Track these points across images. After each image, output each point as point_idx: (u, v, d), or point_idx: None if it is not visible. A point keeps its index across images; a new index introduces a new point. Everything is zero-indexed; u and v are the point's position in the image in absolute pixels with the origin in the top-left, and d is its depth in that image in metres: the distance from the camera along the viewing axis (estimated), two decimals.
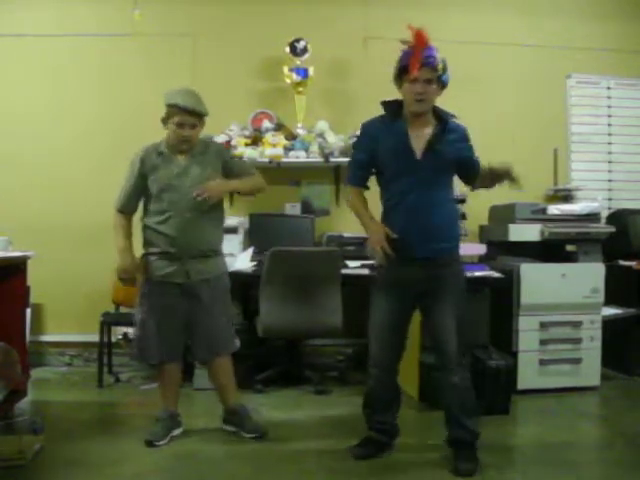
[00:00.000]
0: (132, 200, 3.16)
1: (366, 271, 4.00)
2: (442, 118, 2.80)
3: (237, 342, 3.30)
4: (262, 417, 3.39)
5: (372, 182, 2.94)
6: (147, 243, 3.14)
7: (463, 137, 2.86)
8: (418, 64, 2.66)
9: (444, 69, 2.73)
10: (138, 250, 3.18)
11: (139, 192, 3.14)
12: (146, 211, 3.14)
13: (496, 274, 3.99)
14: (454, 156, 2.77)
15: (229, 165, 3.20)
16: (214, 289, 3.13)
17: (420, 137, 2.75)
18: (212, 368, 3.23)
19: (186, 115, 3.01)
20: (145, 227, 3.13)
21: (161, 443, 3.04)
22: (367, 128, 2.88)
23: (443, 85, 2.76)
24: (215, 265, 3.16)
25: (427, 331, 2.94)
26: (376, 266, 2.94)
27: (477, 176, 2.85)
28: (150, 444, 3.01)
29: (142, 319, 3.12)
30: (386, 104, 2.84)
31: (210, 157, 3.15)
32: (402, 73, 2.73)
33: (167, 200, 3.05)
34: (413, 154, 2.73)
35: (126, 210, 3.17)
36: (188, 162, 3.11)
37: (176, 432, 3.15)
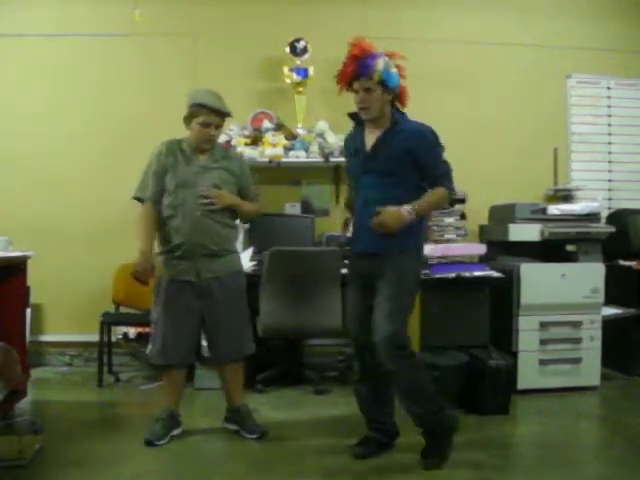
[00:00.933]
0: (151, 187, 3.12)
1: None
2: (394, 120, 2.83)
3: (253, 345, 3.26)
4: (262, 417, 3.39)
5: None
6: (161, 241, 3.16)
7: (417, 141, 2.80)
8: (347, 78, 2.79)
9: (382, 76, 2.72)
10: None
11: (160, 182, 3.12)
12: (161, 213, 3.14)
13: (496, 274, 3.99)
14: (403, 157, 2.77)
15: (243, 180, 3.22)
16: (227, 287, 3.12)
17: (372, 139, 2.86)
18: (225, 368, 3.22)
19: (212, 115, 3.05)
20: (162, 224, 3.13)
21: (161, 442, 3.03)
22: (345, 141, 3.10)
23: (389, 89, 2.77)
24: (227, 263, 3.15)
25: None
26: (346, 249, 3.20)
27: (432, 184, 2.82)
28: (150, 443, 3.00)
29: (157, 318, 3.12)
30: (351, 115, 2.94)
31: (232, 164, 3.19)
32: (347, 86, 2.85)
33: (181, 197, 3.06)
34: (364, 153, 2.87)
35: (145, 197, 3.13)
36: (208, 163, 3.13)
37: (176, 432, 3.14)
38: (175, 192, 3.07)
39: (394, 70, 2.79)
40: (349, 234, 4.41)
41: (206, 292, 3.09)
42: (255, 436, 3.16)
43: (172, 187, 3.08)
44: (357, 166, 2.91)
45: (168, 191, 3.10)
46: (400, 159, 2.78)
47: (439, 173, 2.81)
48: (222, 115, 3.10)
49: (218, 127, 3.11)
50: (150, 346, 3.19)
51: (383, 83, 2.74)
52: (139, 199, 3.17)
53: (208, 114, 3.04)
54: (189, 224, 3.05)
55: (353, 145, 2.94)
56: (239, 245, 4.37)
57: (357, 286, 2.93)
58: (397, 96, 2.85)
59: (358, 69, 2.75)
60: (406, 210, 2.69)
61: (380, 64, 2.73)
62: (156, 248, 3.19)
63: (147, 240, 3.11)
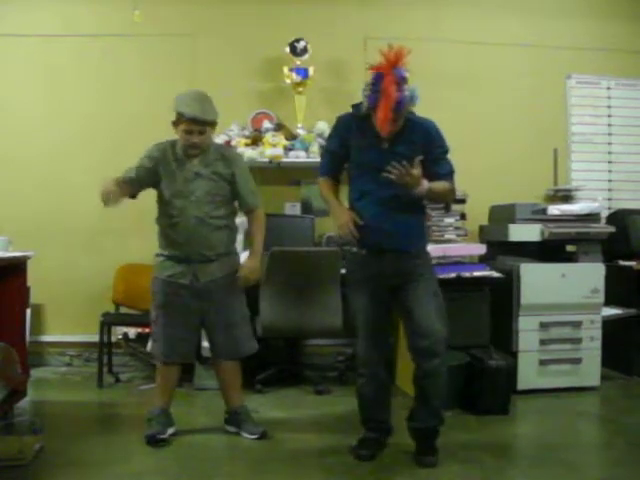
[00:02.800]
0: (133, 176, 3.12)
1: None
2: (406, 117, 2.78)
3: (256, 344, 3.28)
4: (262, 417, 3.39)
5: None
6: (159, 245, 3.19)
7: (430, 134, 2.83)
8: (388, 124, 2.66)
9: (410, 102, 2.69)
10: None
11: (142, 181, 3.14)
12: (159, 212, 3.17)
13: (496, 274, 3.99)
14: (418, 151, 2.75)
15: (237, 185, 3.17)
16: (225, 288, 3.13)
17: (386, 137, 2.78)
18: (222, 368, 3.22)
19: (192, 124, 3.01)
20: (159, 229, 3.18)
21: (163, 436, 3.03)
22: (342, 119, 2.92)
23: (413, 104, 2.74)
24: (224, 265, 3.15)
25: (406, 322, 2.88)
26: (345, 249, 3.07)
27: (440, 178, 2.82)
28: (152, 438, 3.00)
29: (155, 317, 3.15)
30: (356, 106, 2.87)
31: (225, 167, 3.14)
32: (374, 106, 2.69)
33: (177, 206, 3.07)
34: (379, 151, 2.77)
35: (123, 180, 3.09)
36: (199, 169, 3.11)
37: (170, 430, 3.12)
38: (170, 202, 3.09)
39: (414, 89, 2.70)
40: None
41: (204, 293, 3.10)
42: (255, 437, 3.16)
43: (167, 197, 3.09)
44: (370, 162, 2.80)
45: (164, 200, 3.12)
46: (413, 156, 2.73)
47: (444, 172, 2.84)
48: (202, 123, 3.03)
49: (202, 133, 3.05)
50: (150, 343, 3.21)
51: (410, 106, 2.73)
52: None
53: (188, 123, 3.00)
54: (185, 233, 3.06)
55: (365, 138, 2.81)
56: (239, 245, 4.38)
57: (370, 289, 2.85)
58: None
59: (394, 114, 2.64)
60: (425, 182, 2.71)
61: (408, 91, 2.65)
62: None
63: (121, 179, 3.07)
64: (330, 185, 2.98)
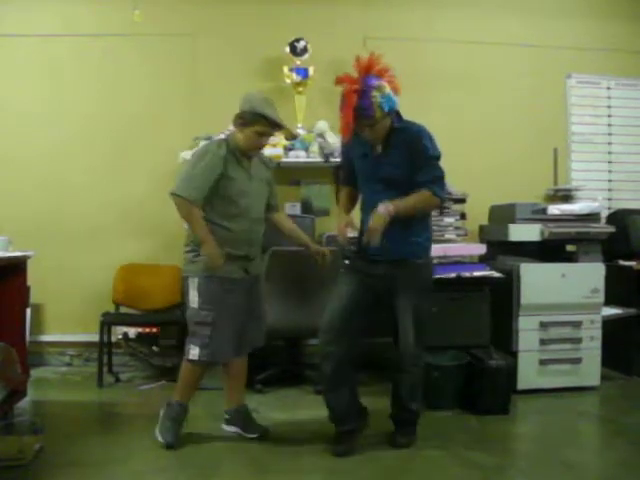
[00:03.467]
0: (206, 191, 2.98)
1: None
2: (395, 124, 2.87)
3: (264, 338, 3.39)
4: (262, 417, 3.39)
5: None
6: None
7: (416, 138, 2.84)
8: (350, 126, 2.76)
9: (382, 109, 2.73)
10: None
11: (211, 184, 2.99)
12: (213, 210, 3.04)
13: (496, 274, 3.99)
14: (405, 157, 2.84)
15: (272, 186, 3.32)
16: (261, 286, 3.32)
17: (379, 145, 2.91)
18: (235, 367, 3.24)
19: (269, 127, 3.05)
20: (213, 224, 3.03)
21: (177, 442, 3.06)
22: (348, 143, 3.06)
23: (391, 112, 2.79)
24: (261, 263, 3.37)
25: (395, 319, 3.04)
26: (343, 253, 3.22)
27: (418, 187, 2.84)
28: (171, 447, 2.99)
29: (212, 318, 3.02)
30: None
31: (266, 171, 3.28)
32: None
33: (243, 205, 3.06)
34: (371, 158, 2.93)
35: (199, 200, 2.97)
36: (254, 171, 3.17)
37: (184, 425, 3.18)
38: (236, 201, 3.04)
39: (388, 91, 2.75)
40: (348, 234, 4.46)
41: (251, 288, 3.18)
42: (256, 435, 3.17)
43: (233, 195, 3.04)
44: (365, 169, 2.98)
45: (226, 198, 3.03)
46: (403, 163, 2.85)
47: (425, 179, 2.82)
48: (278, 127, 3.11)
49: (269, 136, 3.17)
50: (198, 349, 3.03)
51: (383, 113, 2.75)
52: (187, 199, 2.95)
53: (266, 125, 3.03)
54: (247, 229, 3.09)
55: (361, 147, 2.96)
56: None
57: (352, 279, 3.00)
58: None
59: (357, 115, 2.73)
60: (383, 206, 2.75)
61: (377, 98, 2.71)
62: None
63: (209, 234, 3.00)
64: (346, 192, 3.18)
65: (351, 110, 2.71)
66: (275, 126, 3.07)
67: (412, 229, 2.93)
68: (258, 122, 3.01)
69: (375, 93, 2.71)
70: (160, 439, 3.03)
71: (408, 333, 2.97)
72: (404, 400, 3.07)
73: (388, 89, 2.76)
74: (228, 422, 3.28)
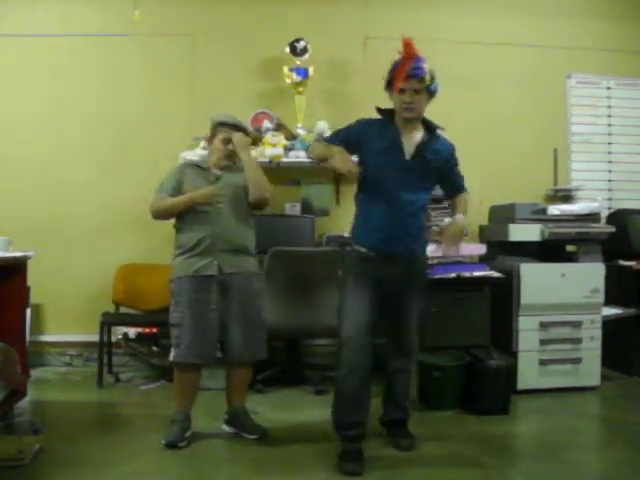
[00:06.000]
0: (168, 192, 3.22)
1: None
2: (430, 127, 2.95)
3: (266, 351, 3.29)
4: (262, 417, 3.39)
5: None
6: (179, 245, 3.21)
7: (450, 153, 3.01)
8: (404, 75, 2.79)
9: (432, 80, 2.85)
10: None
11: (175, 194, 3.21)
12: (182, 219, 3.21)
13: (496, 274, 3.99)
14: (438, 165, 2.94)
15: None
16: (246, 286, 3.18)
17: (410, 140, 2.90)
18: (235, 369, 3.24)
19: (231, 131, 3.26)
20: (179, 231, 3.23)
21: (182, 444, 3.03)
22: (362, 124, 2.97)
23: (431, 94, 2.89)
24: (247, 262, 3.21)
25: (389, 323, 3.02)
26: (347, 248, 3.00)
27: (456, 192, 3.09)
28: (172, 445, 3.00)
29: (181, 319, 3.09)
30: (380, 110, 2.97)
31: (241, 173, 3.28)
32: (392, 83, 2.85)
33: (206, 210, 3.14)
34: (403, 154, 2.87)
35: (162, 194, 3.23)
36: (223, 173, 3.28)
37: (188, 434, 3.13)
38: (196, 208, 3.15)
39: (436, 76, 2.89)
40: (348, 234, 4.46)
41: (227, 287, 3.12)
42: (255, 436, 3.17)
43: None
44: (392, 164, 2.86)
45: (191, 208, 3.16)
46: (436, 167, 2.93)
47: (463, 183, 3.10)
48: (240, 130, 3.29)
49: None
50: (173, 350, 3.12)
51: (429, 87, 2.85)
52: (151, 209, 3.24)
53: (227, 131, 3.25)
54: (210, 219, 3.12)
55: (384, 139, 2.88)
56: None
57: (368, 286, 2.85)
58: None
59: (412, 70, 2.79)
60: (461, 218, 2.94)
61: (429, 68, 2.84)
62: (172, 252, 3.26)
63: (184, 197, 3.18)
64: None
65: (409, 60, 2.77)
66: (237, 129, 3.28)
67: (423, 225, 3.00)
68: (220, 131, 3.27)
69: (428, 65, 2.84)
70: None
71: (413, 332, 2.99)
72: (400, 399, 3.08)
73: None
74: (228, 422, 3.28)
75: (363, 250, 2.88)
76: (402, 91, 2.81)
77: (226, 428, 3.27)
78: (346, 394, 2.83)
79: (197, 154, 4.26)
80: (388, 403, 3.14)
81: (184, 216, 3.19)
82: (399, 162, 2.86)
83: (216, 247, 3.11)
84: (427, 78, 2.80)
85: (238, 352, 3.17)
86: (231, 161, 3.30)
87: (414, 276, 2.96)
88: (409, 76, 2.78)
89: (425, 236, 3.03)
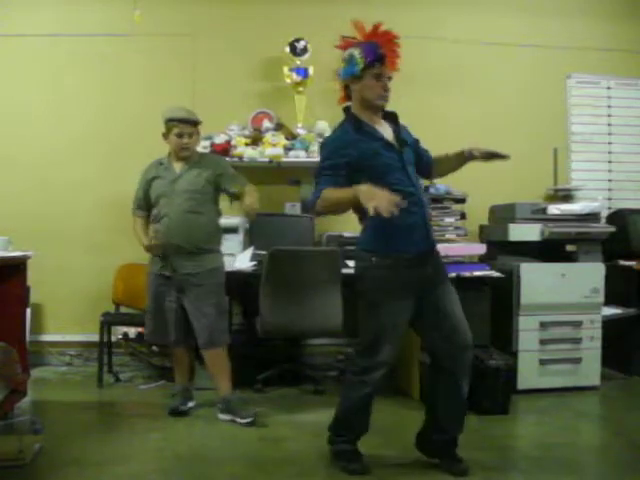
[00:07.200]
0: (141, 205, 3.64)
1: None
2: (390, 113, 2.78)
3: (227, 337, 3.55)
4: (262, 417, 3.40)
5: None
6: None
7: (408, 131, 2.87)
8: (375, 59, 2.67)
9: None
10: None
11: (145, 200, 3.60)
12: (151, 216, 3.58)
13: (496, 274, 3.99)
14: (414, 146, 2.83)
15: (222, 177, 3.54)
16: (201, 282, 3.43)
17: (386, 132, 2.73)
18: (205, 359, 3.51)
19: (182, 125, 3.47)
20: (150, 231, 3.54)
21: (184, 408, 3.49)
22: (344, 143, 2.67)
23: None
24: (202, 261, 3.46)
25: (441, 322, 2.68)
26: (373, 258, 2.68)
27: (432, 167, 2.92)
28: (175, 410, 3.45)
29: (147, 306, 3.58)
30: (348, 111, 2.80)
31: (204, 166, 3.54)
32: (365, 68, 2.67)
33: (162, 205, 3.47)
34: (394, 147, 2.70)
35: (137, 214, 3.67)
36: (183, 170, 3.52)
37: (190, 404, 3.57)
38: (157, 202, 3.50)
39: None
40: (348, 234, 4.45)
41: (182, 286, 3.44)
42: (247, 421, 3.32)
43: (154, 198, 3.52)
44: (392, 161, 2.66)
45: (153, 202, 3.53)
46: (414, 149, 2.81)
47: (432, 162, 2.92)
48: (191, 123, 3.49)
49: (191, 135, 3.50)
50: (145, 329, 3.72)
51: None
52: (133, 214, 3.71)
53: (179, 125, 3.46)
54: (166, 227, 3.41)
55: (371, 141, 2.66)
56: (239, 245, 4.38)
57: (406, 294, 2.63)
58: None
59: (383, 55, 2.70)
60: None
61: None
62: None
63: (143, 235, 3.58)
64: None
65: (395, 49, 2.74)
66: (188, 123, 3.47)
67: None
68: (173, 126, 3.48)
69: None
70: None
71: (464, 323, 2.66)
72: (463, 411, 2.73)
73: None
74: (222, 411, 3.44)
75: (400, 255, 2.61)
76: (379, 76, 2.65)
77: (221, 417, 3.42)
78: (362, 412, 2.78)
79: None
80: (449, 421, 2.73)
81: (152, 217, 3.54)
82: (396, 156, 2.68)
83: (170, 252, 3.42)
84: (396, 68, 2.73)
85: (199, 341, 3.47)
86: (189, 152, 3.51)
87: (441, 266, 2.77)
88: (381, 60, 2.66)
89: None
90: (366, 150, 2.64)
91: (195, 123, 3.52)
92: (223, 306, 3.55)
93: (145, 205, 3.61)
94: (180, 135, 3.47)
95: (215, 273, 3.49)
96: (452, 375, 2.68)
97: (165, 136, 3.54)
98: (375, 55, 2.68)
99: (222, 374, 3.46)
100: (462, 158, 2.82)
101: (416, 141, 2.87)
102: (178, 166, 3.54)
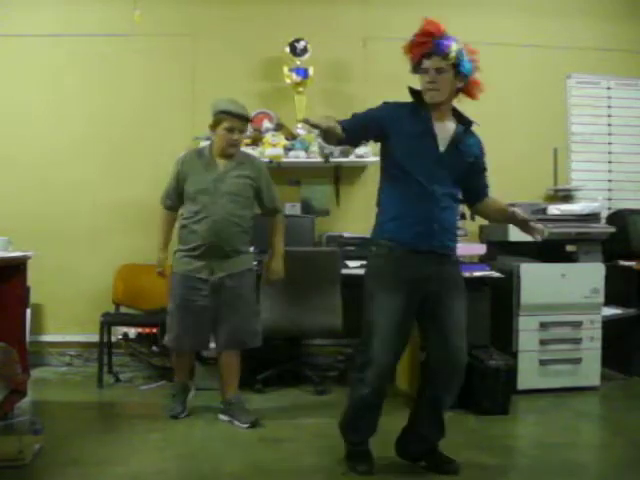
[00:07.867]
0: (172, 198, 3.48)
1: None
2: (464, 119, 2.75)
3: (259, 339, 3.47)
4: (262, 417, 3.40)
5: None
6: (180, 241, 3.43)
7: (481, 149, 2.81)
8: (417, 51, 2.64)
9: (458, 58, 2.61)
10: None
11: (178, 192, 3.44)
12: (185, 213, 3.42)
13: (496, 274, 3.99)
14: (470, 161, 2.72)
15: (263, 193, 3.49)
16: (236, 283, 3.35)
17: (443, 130, 2.68)
18: (222, 357, 3.41)
19: (236, 120, 3.29)
20: (181, 226, 3.42)
21: (184, 415, 3.43)
22: (389, 108, 2.70)
23: (462, 75, 2.65)
24: (238, 262, 3.38)
25: (427, 332, 2.72)
26: (372, 247, 2.73)
27: (479, 200, 2.85)
28: (176, 418, 3.40)
29: (172, 310, 3.40)
30: (413, 91, 2.73)
31: (249, 168, 3.43)
32: (416, 65, 2.65)
33: (201, 203, 3.32)
34: (436, 143, 2.65)
35: (167, 206, 3.51)
36: (227, 169, 3.37)
37: (190, 396, 3.61)
38: (194, 198, 3.33)
39: (468, 58, 2.67)
40: (348, 234, 4.46)
41: (218, 287, 3.32)
42: (246, 425, 3.28)
43: (192, 193, 3.34)
44: (424, 154, 2.62)
45: (188, 197, 3.37)
46: (468, 163, 2.71)
47: (488, 184, 2.87)
48: (244, 120, 3.34)
49: (242, 132, 3.37)
50: (167, 335, 3.47)
51: (456, 66, 2.61)
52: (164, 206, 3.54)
53: (232, 119, 3.28)
54: (207, 228, 3.28)
55: (416, 125, 2.63)
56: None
57: (404, 292, 2.59)
58: (465, 87, 2.72)
59: (433, 46, 2.61)
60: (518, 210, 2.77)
61: (455, 46, 2.64)
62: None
63: (165, 241, 3.54)
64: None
65: (429, 36, 2.63)
66: (241, 119, 3.32)
67: (455, 221, 2.75)
68: (224, 119, 3.29)
69: (455, 43, 2.65)
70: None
71: (458, 343, 2.63)
72: (443, 417, 2.76)
73: (468, 57, 2.70)
74: (222, 412, 3.43)
75: (395, 245, 2.61)
76: (425, 70, 2.60)
77: (221, 417, 3.41)
78: (364, 412, 2.74)
79: None
80: (436, 426, 2.75)
81: (184, 217, 3.39)
82: (432, 152, 2.62)
83: (212, 253, 3.30)
84: (451, 56, 2.58)
85: (223, 340, 3.36)
86: (236, 149, 3.37)
87: (452, 275, 2.69)
88: (431, 53, 2.59)
89: (456, 233, 2.77)
90: (403, 126, 2.64)
91: (247, 119, 3.39)
92: (256, 308, 3.52)
93: (177, 198, 3.45)
94: (231, 130, 3.29)
95: (249, 274, 3.45)
96: (434, 388, 2.68)
97: (212, 128, 3.35)
98: None
99: (234, 377, 3.42)
100: (505, 214, 2.81)
101: (476, 162, 2.75)
102: (222, 163, 3.36)
